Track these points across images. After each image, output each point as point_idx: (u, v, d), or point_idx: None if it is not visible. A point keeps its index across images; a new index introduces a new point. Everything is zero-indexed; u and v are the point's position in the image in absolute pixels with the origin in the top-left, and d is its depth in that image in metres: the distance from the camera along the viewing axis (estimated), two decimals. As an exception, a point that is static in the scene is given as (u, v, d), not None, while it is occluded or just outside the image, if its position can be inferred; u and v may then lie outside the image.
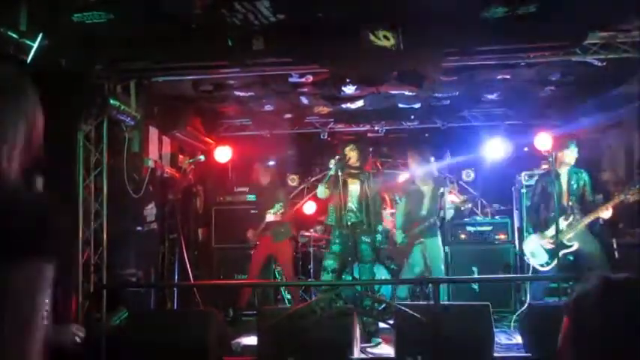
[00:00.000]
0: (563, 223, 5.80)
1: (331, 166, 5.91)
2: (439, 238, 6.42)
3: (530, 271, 6.33)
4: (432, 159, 6.62)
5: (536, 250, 6.03)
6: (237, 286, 7.24)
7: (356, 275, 6.03)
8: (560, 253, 5.71)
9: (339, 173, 5.80)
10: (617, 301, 1.37)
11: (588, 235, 5.83)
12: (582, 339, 1.40)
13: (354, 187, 6.08)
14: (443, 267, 6.49)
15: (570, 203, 5.91)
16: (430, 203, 6.37)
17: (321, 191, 6.15)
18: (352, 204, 6.04)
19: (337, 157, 5.95)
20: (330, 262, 6.00)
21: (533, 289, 6.22)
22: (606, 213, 5.63)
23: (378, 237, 6.45)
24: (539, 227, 6.04)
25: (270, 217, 6.84)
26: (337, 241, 6.05)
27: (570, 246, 5.78)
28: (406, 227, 6.49)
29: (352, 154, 6.05)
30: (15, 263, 1.10)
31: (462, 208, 6.87)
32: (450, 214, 6.38)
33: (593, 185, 6.01)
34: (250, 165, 7.56)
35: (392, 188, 8.13)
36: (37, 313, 1.15)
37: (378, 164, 9.21)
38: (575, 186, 5.94)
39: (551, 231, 5.76)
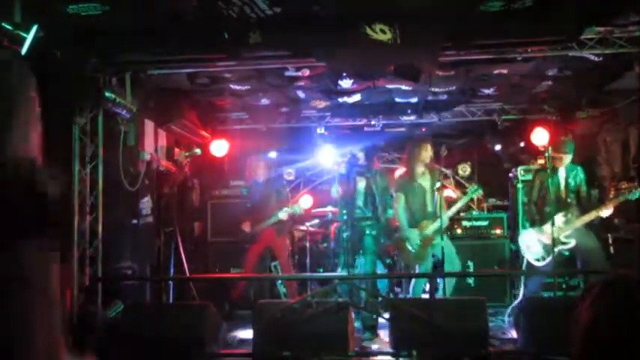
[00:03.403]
0: (560, 220, 5.80)
1: (343, 166, 6.45)
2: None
3: (524, 266, 6.34)
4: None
5: (532, 244, 6.03)
6: (233, 279, 7.21)
7: (360, 267, 6.15)
8: (556, 249, 5.72)
9: (349, 172, 6.28)
10: (608, 299, 1.36)
11: (587, 231, 5.80)
12: (576, 336, 1.40)
13: (361, 185, 6.42)
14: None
15: (569, 200, 5.92)
16: (432, 198, 6.24)
17: (336, 190, 6.70)
18: (359, 201, 6.37)
19: (348, 157, 6.41)
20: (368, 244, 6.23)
21: (529, 283, 6.21)
22: (606, 212, 5.65)
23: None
24: (537, 222, 6.03)
25: (284, 215, 6.73)
26: (345, 233, 6.30)
27: (567, 243, 5.78)
28: (414, 225, 6.20)
29: (360, 155, 6.45)
30: (24, 243, 0.99)
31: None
32: (459, 205, 6.39)
33: (588, 181, 6.03)
34: (245, 159, 7.43)
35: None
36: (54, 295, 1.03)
37: (375, 159, 9.18)
38: (572, 183, 5.93)
39: (549, 226, 5.77)
